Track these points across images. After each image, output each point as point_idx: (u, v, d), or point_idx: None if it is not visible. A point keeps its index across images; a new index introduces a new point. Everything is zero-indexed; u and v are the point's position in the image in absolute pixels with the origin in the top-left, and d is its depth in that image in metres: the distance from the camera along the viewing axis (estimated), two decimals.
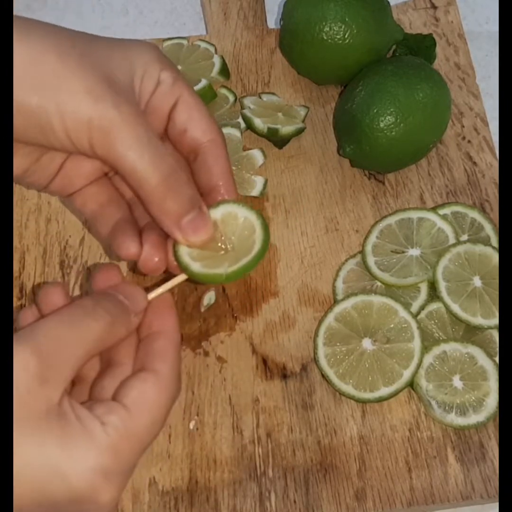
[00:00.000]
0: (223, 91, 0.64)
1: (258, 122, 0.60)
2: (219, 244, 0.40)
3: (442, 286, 0.53)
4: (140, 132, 0.37)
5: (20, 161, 0.41)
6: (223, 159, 0.42)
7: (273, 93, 0.64)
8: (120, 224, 0.42)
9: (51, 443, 0.31)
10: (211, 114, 0.43)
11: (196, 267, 0.39)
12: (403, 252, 0.56)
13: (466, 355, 0.52)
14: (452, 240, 0.55)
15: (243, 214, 0.41)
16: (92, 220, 0.44)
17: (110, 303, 0.36)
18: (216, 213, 0.41)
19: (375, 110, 0.56)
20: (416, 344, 0.52)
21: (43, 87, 0.36)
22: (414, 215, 0.57)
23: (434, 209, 0.58)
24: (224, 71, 0.64)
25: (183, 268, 0.39)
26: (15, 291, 0.56)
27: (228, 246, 0.40)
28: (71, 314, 0.34)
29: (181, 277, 0.40)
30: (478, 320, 0.53)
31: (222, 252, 0.40)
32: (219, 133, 0.42)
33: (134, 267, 0.57)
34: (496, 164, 0.61)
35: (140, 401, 0.34)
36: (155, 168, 0.38)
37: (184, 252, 0.39)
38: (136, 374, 0.36)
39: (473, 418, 0.50)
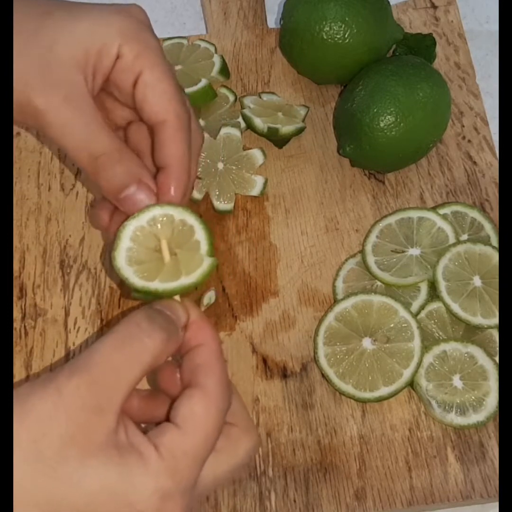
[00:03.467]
0: (223, 90, 0.63)
1: (258, 122, 0.60)
2: (162, 252, 0.39)
3: (442, 285, 0.53)
4: (68, 118, 0.39)
5: None
6: (172, 143, 0.41)
7: (273, 93, 0.64)
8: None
9: (113, 473, 0.32)
10: (177, 90, 0.42)
11: (154, 285, 0.38)
12: (403, 251, 0.56)
13: (466, 355, 0.52)
14: (452, 240, 0.55)
15: (179, 216, 0.40)
16: (94, 188, 0.46)
17: (163, 319, 0.36)
18: (144, 218, 0.39)
19: (375, 110, 0.56)
20: (416, 343, 0.52)
21: None
22: (414, 214, 0.57)
23: (434, 208, 0.58)
24: (224, 70, 0.64)
25: (134, 288, 0.38)
26: (15, 291, 0.56)
27: (171, 252, 0.39)
28: (126, 335, 0.34)
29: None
30: (478, 320, 0.53)
31: (167, 259, 0.39)
32: (175, 115, 0.41)
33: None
34: (496, 163, 0.61)
35: (190, 418, 0.34)
36: (82, 150, 0.40)
37: (129, 271, 0.38)
38: (184, 391, 0.35)
39: (473, 418, 0.50)
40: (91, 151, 0.40)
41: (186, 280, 0.38)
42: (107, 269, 0.56)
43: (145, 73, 0.41)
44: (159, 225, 0.39)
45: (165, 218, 0.39)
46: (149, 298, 0.39)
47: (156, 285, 0.38)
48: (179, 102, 0.42)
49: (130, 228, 0.39)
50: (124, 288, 0.55)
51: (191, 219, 0.39)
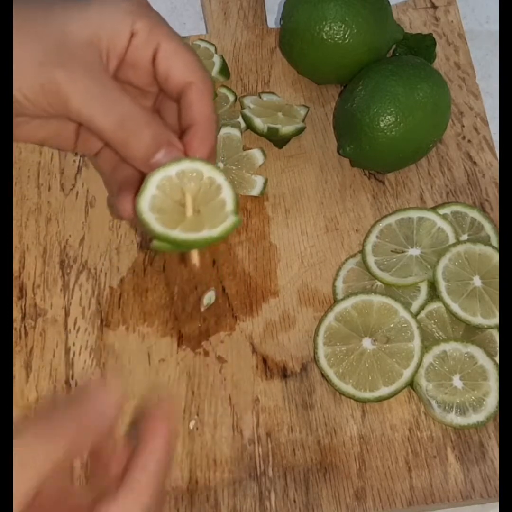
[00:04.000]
0: (223, 90, 0.63)
1: (258, 122, 0.60)
2: (186, 206, 0.39)
3: (442, 285, 0.53)
4: (89, 86, 0.39)
5: (30, 132, 0.44)
6: (199, 102, 0.42)
7: (273, 93, 0.64)
8: (125, 184, 0.44)
9: None
10: (197, 57, 0.43)
11: (174, 233, 0.37)
12: (403, 251, 0.56)
13: (466, 355, 0.52)
14: (452, 240, 0.55)
15: (209, 173, 0.39)
16: (107, 182, 0.46)
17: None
18: (173, 170, 0.39)
19: (375, 110, 0.56)
20: (416, 343, 0.52)
21: None
22: (414, 214, 0.57)
23: (434, 208, 0.58)
24: (224, 70, 0.64)
25: (156, 236, 0.38)
26: (15, 291, 0.56)
27: (194, 209, 0.39)
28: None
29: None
30: (478, 320, 0.53)
31: (189, 214, 0.39)
32: (201, 76, 0.42)
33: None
34: (496, 163, 0.61)
35: None
36: (108, 116, 0.40)
37: (150, 217, 0.38)
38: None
39: (473, 418, 0.50)
40: (117, 116, 0.40)
41: (208, 233, 0.38)
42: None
43: (163, 43, 0.42)
44: (187, 179, 0.39)
45: (194, 173, 0.39)
46: (167, 249, 0.38)
47: (177, 233, 0.37)
48: (201, 65, 0.43)
49: (158, 177, 0.39)
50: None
51: (220, 179, 0.39)
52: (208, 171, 0.39)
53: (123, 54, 0.42)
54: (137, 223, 0.53)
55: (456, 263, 0.54)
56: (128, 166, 0.44)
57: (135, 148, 0.40)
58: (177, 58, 0.42)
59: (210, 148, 0.42)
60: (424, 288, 0.55)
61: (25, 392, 0.52)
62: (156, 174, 0.39)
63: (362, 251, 0.56)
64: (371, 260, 0.56)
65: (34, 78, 0.39)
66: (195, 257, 0.39)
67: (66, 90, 0.39)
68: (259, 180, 0.59)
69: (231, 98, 0.63)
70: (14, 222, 0.58)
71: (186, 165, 0.39)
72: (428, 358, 0.52)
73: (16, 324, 0.55)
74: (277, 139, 0.61)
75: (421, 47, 0.64)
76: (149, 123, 0.41)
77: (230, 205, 0.39)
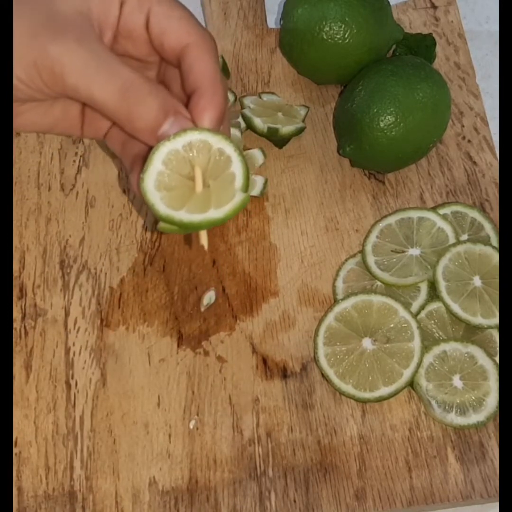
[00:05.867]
0: None
1: (258, 122, 0.60)
2: (195, 181, 0.36)
3: (442, 285, 0.53)
4: (85, 57, 0.37)
5: (35, 119, 0.43)
6: (200, 62, 0.39)
7: (273, 93, 0.64)
8: (136, 160, 0.41)
9: None
10: (191, 15, 0.40)
11: (179, 214, 0.35)
12: (403, 251, 0.56)
13: (466, 355, 0.52)
14: (452, 240, 0.55)
15: (218, 144, 0.36)
16: (121, 159, 0.44)
17: None
18: (179, 142, 0.36)
19: (375, 110, 0.56)
20: (416, 343, 0.52)
21: None
22: (414, 214, 0.57)
23: (434, 208, 0.58)
24: (224, 70, 0.64)
25: (162, 218, 0.35)
26: (15, 291, 0.56)
27: (204, 183, 0.36)
28: None
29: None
30: (478, 320, 0.53)
31: (200, 189, 0.36)
32: (198, 35, 0.40)
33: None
34: (496, 163, 0.61)
35: None
36: (107, 87, 0.37)
37: (155, 196, 0.36)
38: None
39: (473, 418, 0.50)
40: (117, 86, 0.37)
41: (214, 213, 0.35)
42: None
43: (154, 6, 0.39)
44: (195, 152, 0.36)
45: (202, 145, 0.36)
46: (175, 231, 0.36)
47: (182, 215, 0.35)
48: (198, 24, 0.40)
49: (164, 151, 0.36)
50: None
51: (230, 150, 0.36)
52: (216, 142, 0.36)
53: (116, 24, 0.40)
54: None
55: (456, 263, 0.54)
56: (138, 142, 0.41)
57: (140, 119, 0.37)
58: (169, 21, 0.39)
59: (218, 111, 0.39)
60: (424, 288, 0.55)
61: (25, 392, 0.52)
62: (161, 148, 0.36)
63: (362, 251, 0.56)
64: (371, 260, 0.56)
65: (26, 56, 0.37)
66: (203, 237, 0.36)
67: (60, 63, 0.37)
68: (259, 180, 0.59)
69: (231, 98, 0.63)
70: (14, 222, 0.58)
71: (193, 136, 0.36)
72: (428, 358, 0.52)
73: (16, 324, 0.55)
74: (277, 139, 0.61)
75: (421, 47, 0.64)
76: (152, 91, 0.38)
77: (239, 180, 0.36)
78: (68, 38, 0.37)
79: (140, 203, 0.58)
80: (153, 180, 0.36)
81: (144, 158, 0.39)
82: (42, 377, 0.53)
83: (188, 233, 0.35)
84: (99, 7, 0.39)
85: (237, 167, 0.36)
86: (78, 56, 0.37)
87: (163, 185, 0.36)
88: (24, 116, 0.43)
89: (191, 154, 0.36)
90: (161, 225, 0.37)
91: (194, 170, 0.36)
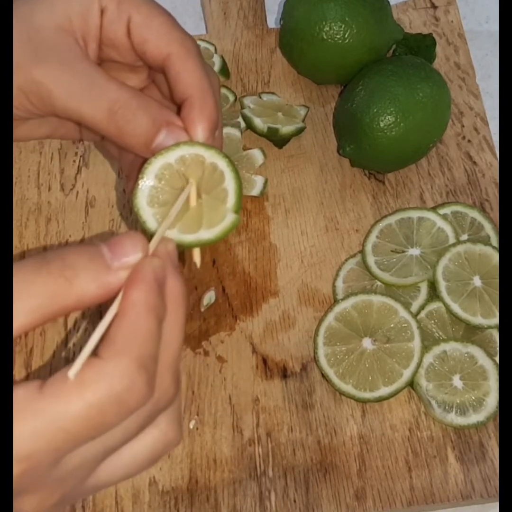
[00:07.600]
0: (223, 90, 0.63)
1: (258, 122, 0.60)
2: (190, 195, 0.35)
3: (442, 285, 0.53)
4: (70, 80, 0.36)
5: (30, 132, 0.42)
6: (186, 72, 0.38)
7: (273, 93, 0.64)
8: (133, 166, 0.41)
9: None
10: (173, 22, 0.39)
11: (169, 234, 0.34)
12: (403, 251, 0.56)
13: (466, 355, 0.52)
14: (452, 240, 0.55)
15: (211, 159, 0.36)
16: (119, 163, 0.43)
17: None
18: (172, 156, 0.36)
19: (375, 110, 0.56)
20: (416, 343, 0.52)
21: None
22: (414, 214, 0.57)
23: (434, 208, 0.58)
24: (224, 70, 0.64)
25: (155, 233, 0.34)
26: None
27: (197, 195, 0.36)
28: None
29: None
30: (478, 320, 0.53)
31: (194, 203, 0.35)
32: (179, 44, 0.38)
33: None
34: (496, 163, 0.61)
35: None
36: (96, 106, 0.37)
37: (148, 213, 0.35)
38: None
39: (473, 418, 0.50)
40: (106, 104, 0.36)
41: (205, 234, 0.35)
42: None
43: (133, 15, 0.38)
44: (188, 165, 0.36)
45: (195, 158, 0.36)
46: None
47: (173, 235, 0.34)
48: (179, 30, 0.39)
49: (156, 165, 0.35)
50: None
51: (222, 164, 0.36)
52: (210, 156, 0.36)
53: (99, 34, 0.39)
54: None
55: (456, 263, 0.54)
56: None
57: (132, 135, 0.37)
58: (148, 30, 0.38)
59: (210, 121, 0.38)
60: (424, 288, 0.55)
61: None
62: (153, 163, 0.36)
63: (362, 251, 0.56)
64: (371, 260, 0.56)
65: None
66: (196, 255, 0.36)
67: (46, 89, 0.36)
68: (259, 180, 0.59)
69: (231, 98, 0.63)
70: (14, 222, 0.58)
71: (185, 150, 0.36)
72: (428, 358, 0.52)
73: None
74: (277, 139, 0.61)
75: (421, 47, 0.64)
76: (141, 105, 0.37)
77: (231, 199, 0.36)
78: (51, 61, 0.37)
79: None
80: (146, 195, 0.35)
81: (140, 165, 0.38)
82: (42, 377, 0.53)
83: (181, 249, 0.34)
84: (79, 20, 0.38)
85: (229, 184, 0.36)
86: (63, 80, 0.37)
87: (156, 200, 0.35)
88: (18, 129, 0.42)
89: (184, 168, 0.36)
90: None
91: (188, 183, 0.36)
